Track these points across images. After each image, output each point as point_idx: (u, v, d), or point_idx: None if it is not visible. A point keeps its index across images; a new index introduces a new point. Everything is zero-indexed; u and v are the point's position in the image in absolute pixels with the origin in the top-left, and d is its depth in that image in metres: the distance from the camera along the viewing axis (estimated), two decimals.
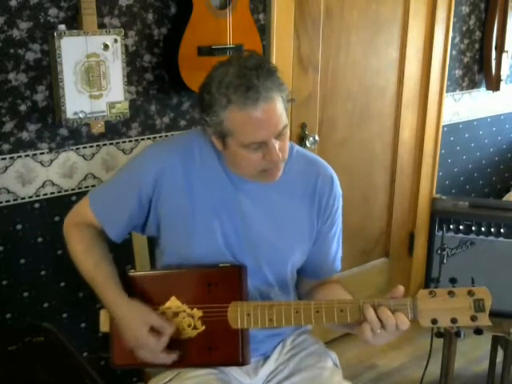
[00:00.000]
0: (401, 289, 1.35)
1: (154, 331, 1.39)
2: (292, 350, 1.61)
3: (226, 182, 1.48)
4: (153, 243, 1.66)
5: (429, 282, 2.07)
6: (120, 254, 1.65)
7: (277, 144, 1.35)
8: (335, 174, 1.59)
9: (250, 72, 1.29)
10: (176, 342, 1.43)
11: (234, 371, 1.54)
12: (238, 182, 1.48)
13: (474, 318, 1.31)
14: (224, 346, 1.43)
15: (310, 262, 1.59)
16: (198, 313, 1.43)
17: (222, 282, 1.43)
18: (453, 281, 1.35)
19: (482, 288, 1.32)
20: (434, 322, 1.32)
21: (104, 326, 1.51)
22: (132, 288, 1.46)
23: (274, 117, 1.33)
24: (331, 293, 1.55)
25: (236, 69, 1.31)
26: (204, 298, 1.43)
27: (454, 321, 1.32)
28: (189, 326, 1.43)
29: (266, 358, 1.59)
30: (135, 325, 1.39)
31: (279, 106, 1.34)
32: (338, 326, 1.50)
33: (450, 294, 1.32)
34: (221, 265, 1.45)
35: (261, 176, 1.42)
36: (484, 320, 1.31)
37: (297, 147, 1.58)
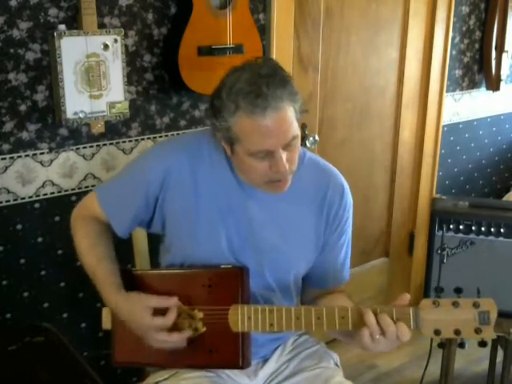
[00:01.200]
0: (406, 296, 1.32)
1: (158, 313, 1.37)
2: (293, 351, 1.61)
3: (234, 186, 1.47)
4: (153, 242, 1.66)
5: (429, 281, 2.07)
6: (120, 252, 1.65)
7: (284, 155, 1.33)
8: (346, 182, 1.56)
9: (262, 79, 1.28)
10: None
11: (233, 373, 1.54)
12: (247, 186, 1.46)
13: (478, 331, 1.26)
14: (224, 348, 1.41)
15: (317, 271, 1.58)
16: (198, 314, 1.42)
17: (222, 284, 1.42)
18: (458, 291, 1.32)
19: (488, 299, 1.28)
20: (437, 332, 1.28)
21: (106, 324, 1.51)
22: (134, 286, 1.45)
23: (282, 126, 1.30)
24: (335, 302, 1.52)
25: (248, 75, 1.29)
26: (205, 300, 1.42)
27: (457, 332, 1.27)
28: (189, 326, 1.42)
29: (266, 360, 1.58)
30: (137, 313, 1.38)
31: (289, 116, 1.31)
32: (339, 335, 1.49)
33: (455, 304, 1.27)
34: (222, 266, 1.44)
35: (268, 186, 1.41)
36: (489, 333, 1.27)
37: (309, 154, 1.55)
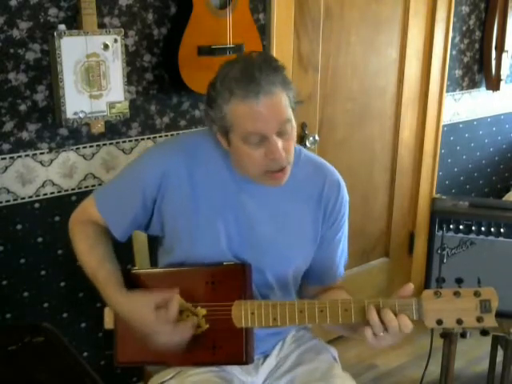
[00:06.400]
0: (410, 287, 1.33)
1: (161, 307, 1.37)
2: (291, 345, 1.61)
3: (231, 184, 1.47)
4: (153, 242, 1.66)
5: (429, 281, 2.06)
6: (120, 252, 1.65)
7: (279, 142, 1.34)
8: (342, 179, 1.57)
9: (254, 67, 1.31)
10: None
11: (234, 369, 1.54)
12: (244, 183, 1.47)
13: (479, 320, 1.28)
14: (228, 344, 1.42)
15: (315, 267, 1.58)
16: (201, 311, 1.42)
17: (226, 280, 1.43)
18: (459, 281, 1.33)
19: (489, 288, 1.29)
20: (440, 322, 1.30)
21: (108, 324, 1.50)
22: (135, 286, 1.45)
23: (275, 111, 1.32)
24: (335, 297, 1.51)
25: (241, 65, 1.33)
26: (208, 297, 1.42)
27: (459, 322, 1.29)
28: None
29: (266, 356, 1.59)
30: (139, 311, 1.38)
31: (283, 102, 1.34)
32: (341, 329, 1.49)
33: (456, 294, 1.29)
34: (225, 263, 1.45)
35: (266, 178, 1.41)
36: (490, 321, 1.28)
37: (304, 151, 1.57)
